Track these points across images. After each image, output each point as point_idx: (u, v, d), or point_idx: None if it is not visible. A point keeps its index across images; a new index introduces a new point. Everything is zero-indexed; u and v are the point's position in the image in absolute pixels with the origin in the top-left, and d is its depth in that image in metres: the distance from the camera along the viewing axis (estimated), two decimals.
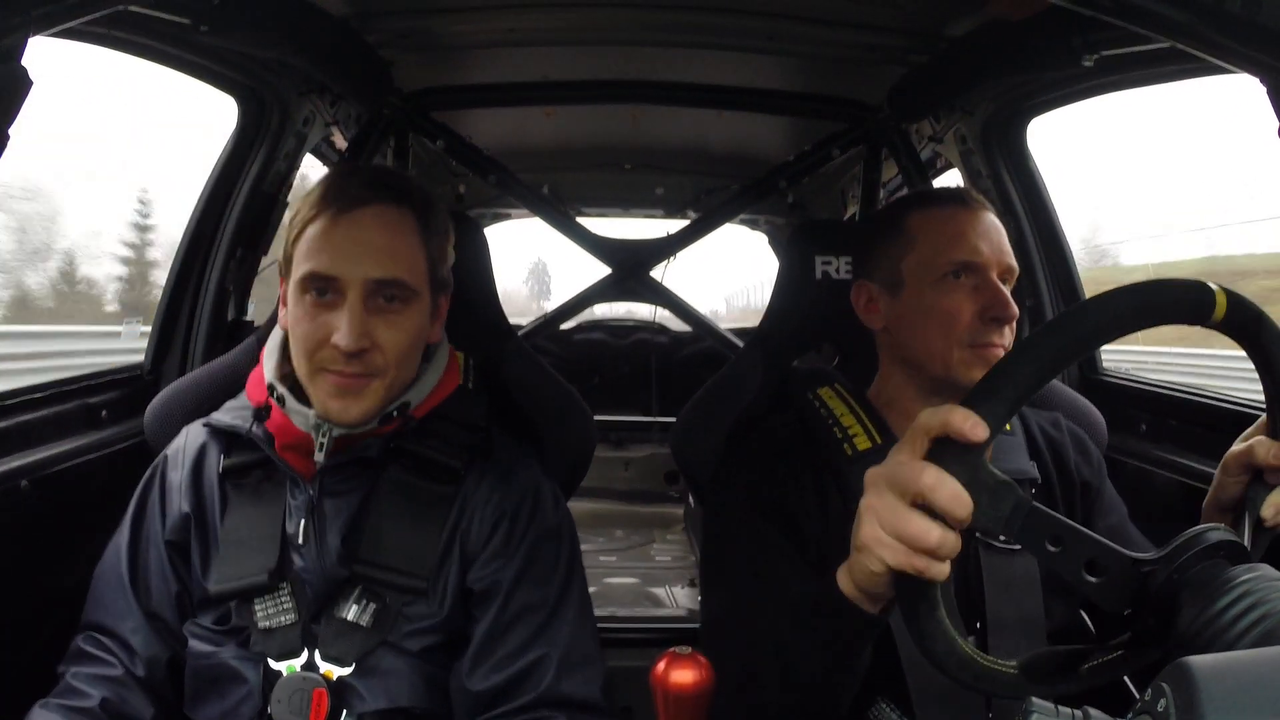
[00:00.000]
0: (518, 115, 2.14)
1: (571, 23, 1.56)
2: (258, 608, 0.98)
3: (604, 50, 1.71)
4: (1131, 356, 7.81)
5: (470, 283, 1.26)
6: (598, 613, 1.10)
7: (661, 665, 0.91)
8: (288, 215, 1.56)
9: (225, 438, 1.05)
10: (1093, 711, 0.48)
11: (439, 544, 1.00)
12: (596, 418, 1.37)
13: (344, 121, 1.81)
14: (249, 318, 1.69)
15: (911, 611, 0.61)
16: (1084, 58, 1.17)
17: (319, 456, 0.97)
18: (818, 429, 1.06)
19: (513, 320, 2.31)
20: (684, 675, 0.86)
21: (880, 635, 0.97)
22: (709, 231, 2.33)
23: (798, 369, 1.25)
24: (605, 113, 2.16)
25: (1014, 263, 1.04)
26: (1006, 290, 1.01)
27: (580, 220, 2.31)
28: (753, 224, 3.38)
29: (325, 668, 0.96)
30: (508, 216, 3.29)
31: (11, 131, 0.80)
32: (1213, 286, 0.61)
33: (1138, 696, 0.43)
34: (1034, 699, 0.50)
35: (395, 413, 0.99)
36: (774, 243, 3.40)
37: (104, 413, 1.40)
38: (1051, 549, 0.60)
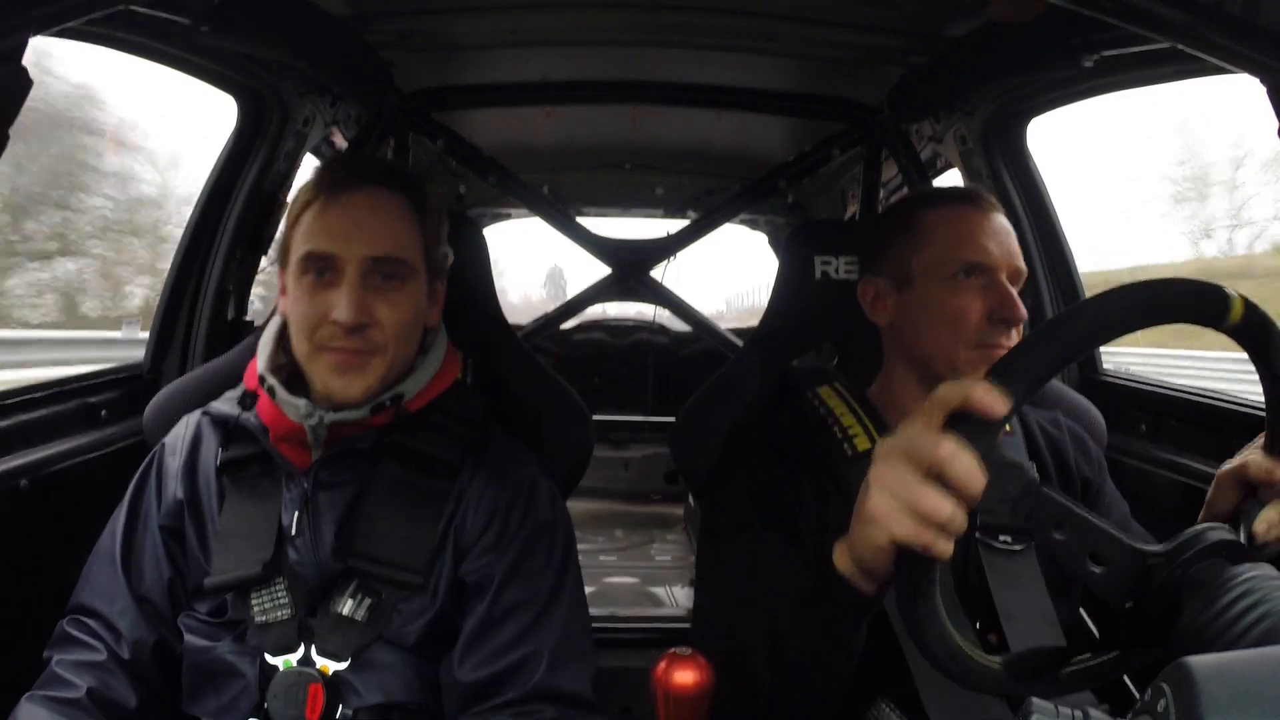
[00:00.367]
0: (518, 115, 2.14)
1: (571, 23, 1.56)
2: (254, 602, 0.99)
3: (604, 51, 1.71)
4: (1130, 358, 7.81)
5: (469, 283, 1.26)
6: (597, 612, 1.10)
7: (662, 666, 0.91)
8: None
9: (223, 428, 1.06)
10: (1093, 712, 0.48)
11: (434, 538, 1.00)
12: (596, 418, 1.37)
13: (344, 121, 1.81)
14: (249, 318, 1.69)
15: (909, 594, 0.60)
16: (1084, 58, 1.18)
17: (310, 444, 0.98)
18: (817, 428, 1.06)
19: (530, 320, 2.33)
20: (685, 676, 0.86)
21: (882, 634, 0.98)
22: (709, 232, 2.33)
23: (797, 368, 1.25)
24: (605, 113, 2.17)
25: (1023, 265, 1.04)
26: (1015, 292, 1.01)
27: (580, 220, 2.31)
28: (753, 224, 3.38)
29: (321, 663, 0.97)
30: (508, 216, 3.29)
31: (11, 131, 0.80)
32: (1230, 291, 0.61)
33: (1138, 696, 0.43)
34: (1034, 699, 0.50)
35: (389, 403, 1.00)
36: (774, 243, 3.40)
37: (103, 412, 1.40)
38: (1056, 535, 0.59)
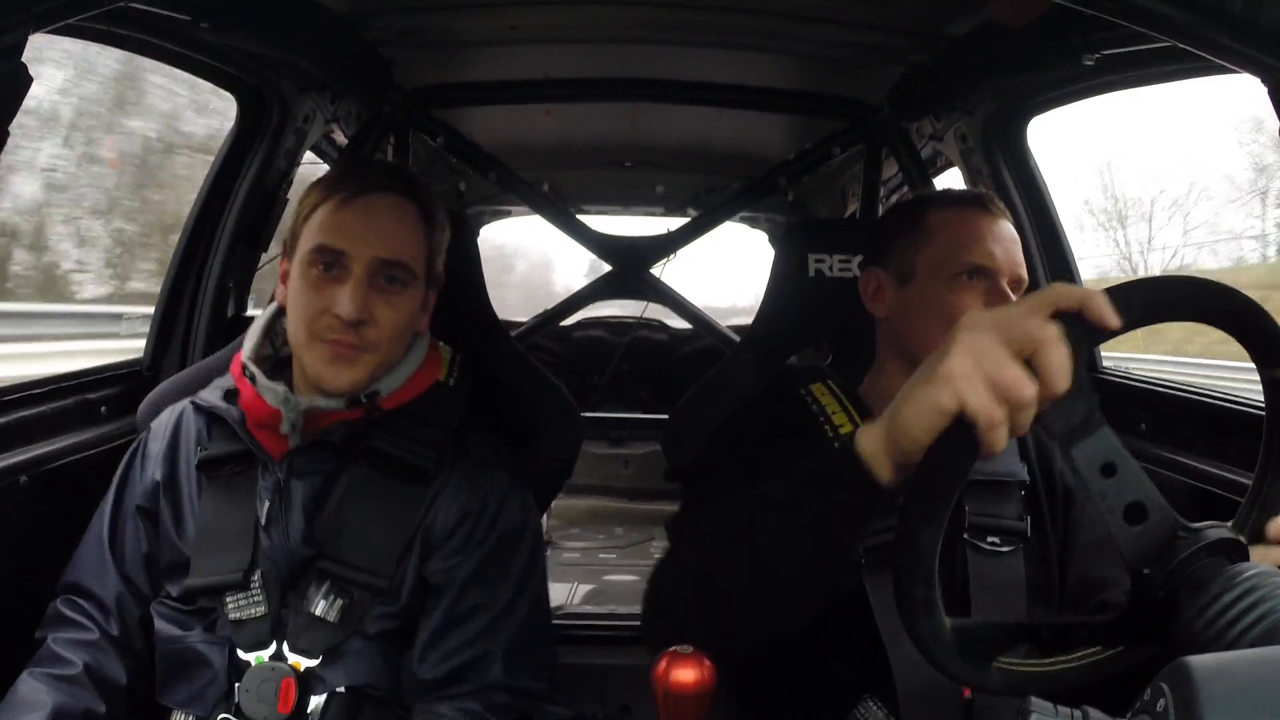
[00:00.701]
0: (518, 113, 2.13)
1: (572, 20, 1.56)
2: (229, 599, 1.01)
3: (604, 48, 1.71)
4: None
5: (462, 281, 1.27)
6: (598, 611, 1.11)
7: (662, 664, 0.91)
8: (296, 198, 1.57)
9: (206, 416, 1.09)
10: (1092, 711, 0.48)
11: (403, 542, 1.02)
12: (596, 415, 1.37)
13: (344, 119, 1.81)
14: (249, 314, 1.69)
15: (923, 503, 0.58)
16: (1084, 57, 1.17)
17: (285, 429, 1.01)
18: (808, 424, 1.06)
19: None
20: (685, 674, 0.86)
21: (869, 634, 0.98)
22: (709, 230, 2.33)
23: (791, 366, 1.25)
24: (605, 110, 2.16)
25: (1025, 274, 1.04)
26: (1015, 299, 1.01)
27: (580, 218, 2.31)
28: (753, 222, 3.38)
29: (293, 659, 0.99)
30: (508, 214, 3.29)
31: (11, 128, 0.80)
32: None
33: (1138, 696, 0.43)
34: (1032, 699, 0.50)
35: (364, 398, 1.03)
36: (774, 241, 3.39)
37: (103, 408, 1.40)
38: (1102, 478, 0.58)
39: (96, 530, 1.08)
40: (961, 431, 0.57)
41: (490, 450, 1.11)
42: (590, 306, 2.44)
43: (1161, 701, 0.41)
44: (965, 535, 1.04)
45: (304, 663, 0.99)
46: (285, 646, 1.00)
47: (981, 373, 0.57)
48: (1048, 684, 0.63)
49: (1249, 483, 0.69)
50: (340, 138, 1.90)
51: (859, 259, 1.31)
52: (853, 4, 1.42)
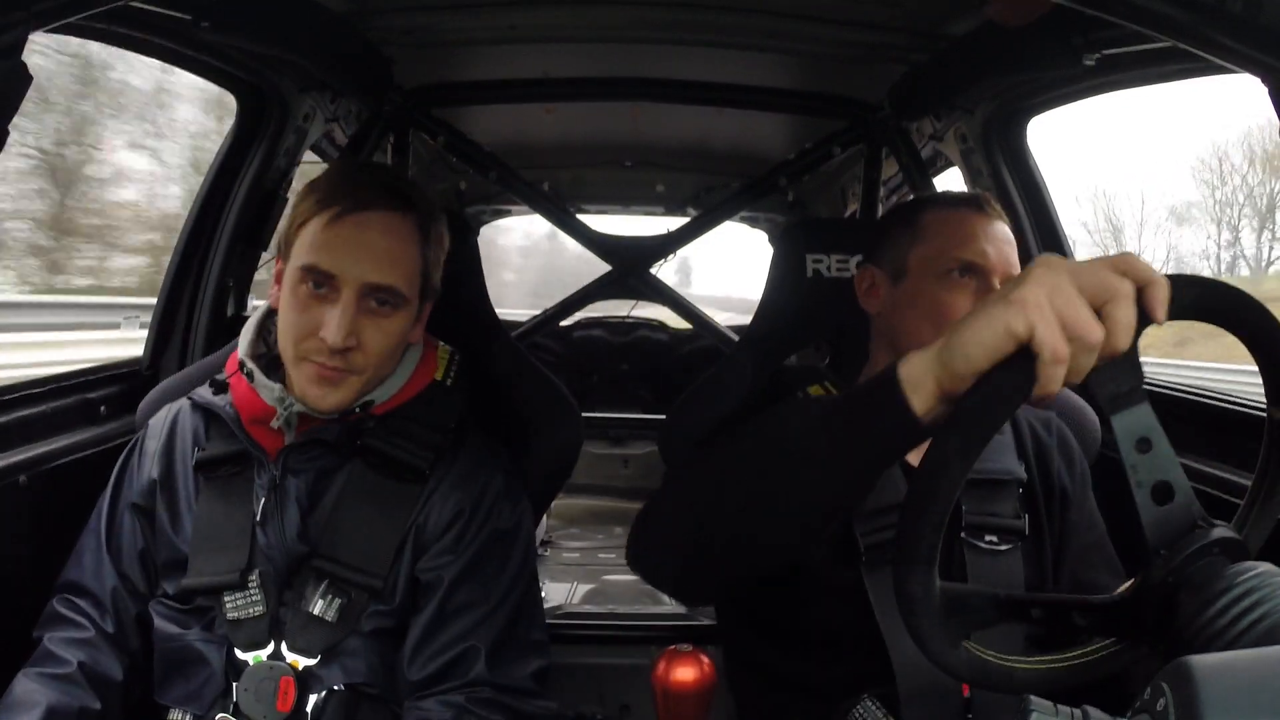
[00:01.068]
0: (518, 112, 2.13)
1: (572, 20, 1.55)
2: (226, 598, 1.01)
3: (604, 47, 1.71)
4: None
5: (461, 280, 1.27)
6: (597, 610, 1.11)
7: (662, 663, 0.92)
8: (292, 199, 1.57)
9: (203, 414, 1.09)
10: (1092, 711, 0.48)
11: (397, 541, 1.02)
12: (596, 415, 1.37)
13: (344, 118, 1.81)
14: (249, 314, 1.69)
15: (959, 440, 0.57)
16: (1085, 57, 1.17)
17: (277, 424, 1.01)
18: None
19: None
20: (685, 673, 0.87)
21: (869, 635, 0.98)
22: (709, 229, 2.33)
23: (788, 367, 1.25)
24: (606, 110, 2.16)
25: (1018, 273, 1.04)
26: None
27: (580, 217, 2.31)
28: (753, 222, 3.38)
29: (291, 658, 1.00)
30: (508, 213, 3.29)
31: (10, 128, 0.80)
32: None
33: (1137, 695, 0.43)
34: (1032, 697, 0.49)
35: (357, 409, 1.03)
36: (774, 240, 3.39)
37: (103, 408, 1.40)
38: (1137, 452, 0.58)
39: (94, 527, 1.08)
40: (1021, 361, 0.56)
41: (486, 450, 1.11)
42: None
43: (1161, 701, 0.41)
44: (963, 534, 1.04)
45: (302, 662, 0.99)
46: (283, 646, 1.00)
47: (1055, 306, 0.56)
48: (1007, 678, 0.63)
49: (1248, 483, 0.69)
50: (340, 137, 1.90)
51: (857, 259, 1.31)
52: (853, 3, 1.42)
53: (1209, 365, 8.77)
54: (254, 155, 1.62)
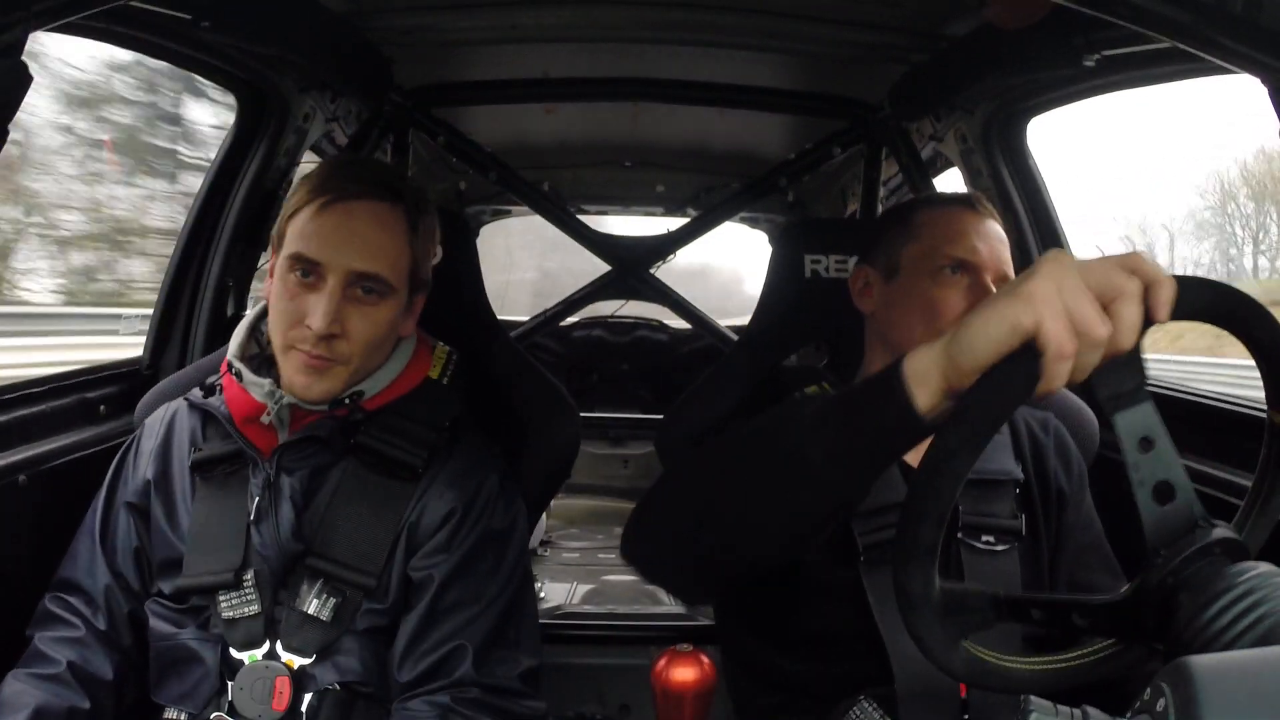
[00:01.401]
0: (518, 112, 2.13)
1: (573, 20, 1.55)
2: (221, 598, 1.01)
3: (605, 48, 1.71)
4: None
5: (459, 281, 1.26)
6: (597, 610, 1.11)
7: (662, 663, 0.92)
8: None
9: (200, 414, 1.09)
10: (1091, 711, 0.48)
11: (390, 539, 1.03)
12: (596, 415, 1.37)
13: (344, 118, 1.81)
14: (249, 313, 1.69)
15: (958, 437, 0.57)
16: (1085, 57, 1.17)
17: (268, 420, 1.01)
18: None
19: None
20: (685, 673, 0.87)
21: (867, 634, 0.98)
22: (709, 229, 2.34)
23: (786, 367, 1.25)
24: (606, 110, 2.16)
25: (1010, 271, 1.04)
26: None
27: (580, 217, 2.31)
28: (753, 222, 3.38)
29: (287, 657, 1.00)
30: (508, 213, 3.29)
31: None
32: None
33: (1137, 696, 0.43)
34: (1032, 697, 0.49)
35: (348, 400, 1.03)
36: (773, 241, 3.39)
37: (102, 407, 1.40)
38: (1139, 451, 0.58)
39: (89, 525, 1.09)
40: (1027, 355, 0.56)
41: (481, 450, 1.11)
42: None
43: (1161, 701, 0.41)
44: (960, 534, 1.04)
45: (297, 661, 0.99)
46: (278, 645, 1.00)
47: (1062, 301, 0.56)
48: (1006, 679, 0.63)
49: (1247, 483, 0.69)
50: (341, 137, 1.90)
51: (855, 260, 1.31)
52: (853, 3, 1.42)
53: (1200, 360, 8.77)
54: (254, 155, 1.62)
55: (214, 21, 1.15)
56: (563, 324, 2.75)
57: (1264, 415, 0.67)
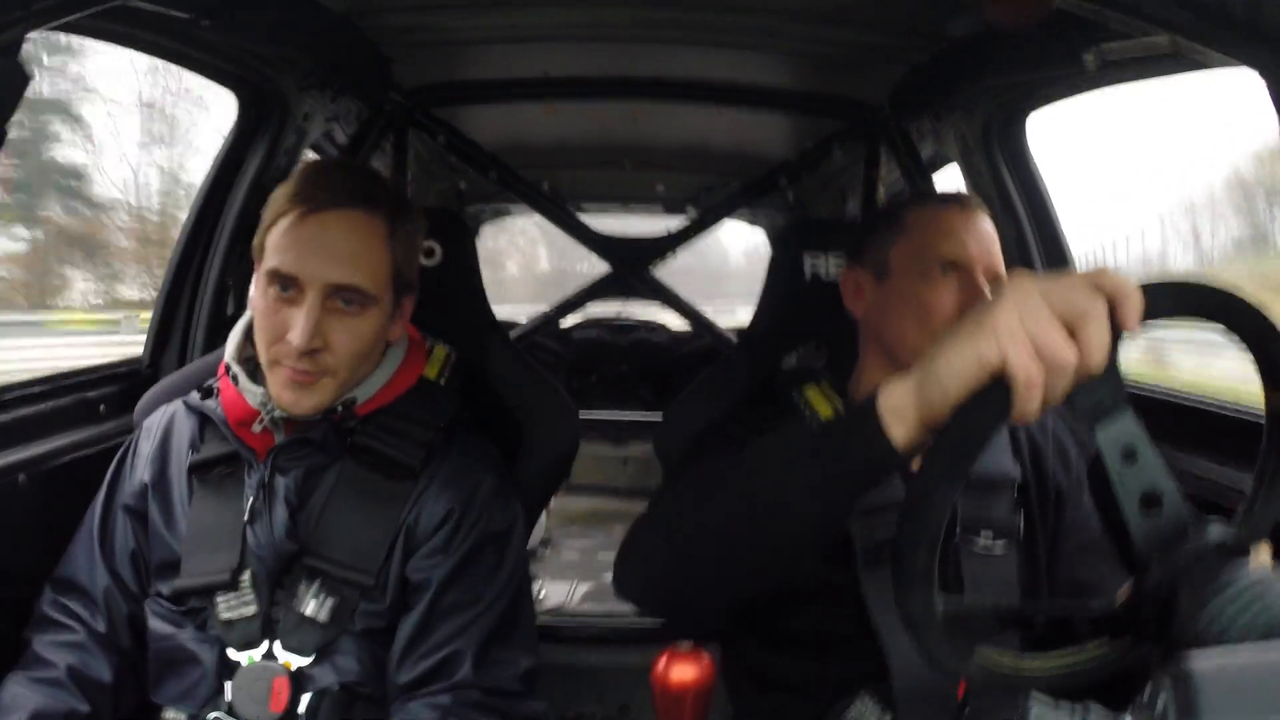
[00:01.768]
0: (518, 112, 2.14)
1: (572, 19, 1.55)
2: (219, 599, 1.01)
3: (604, 47, 1.71)
4: None
5: (457, 281, 1.26)
6: (597, 610, 1.10)
7: (662, 662, 0.92)
8: None
9: (198, 417, 1.09)
10: (1093, 707, 0.48)
11: (388, 540, 1.02)
12: (595, 415, 1.37)
13: (344, 117, 1.81)
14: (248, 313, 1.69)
15: (943, 465, 0.57)
16: (1085, 56, 1.17)
17: (259, 428, 1.01)
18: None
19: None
20: (685, 673, 0.87)
21: (865, 633, 0.98)
22: (709, 229, 2.33)
23: (786, 369, 1.25)
24: (605, 110, 2.16)
25: (1001, 268, 1.04)
26: (991, 294, 1.01)
27: (580, 217, 2.31)
28: (753, 221, 3.39)
29: (285, 658, 0.99)
30: (508, 212, 3.30)
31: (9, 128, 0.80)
32: None
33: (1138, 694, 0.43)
34: (1034, 693, 0.50)
35: (339, 409, 1.03)
36: (773, 240, 3.39)
37: (102, 407, 1.40)
38: (1122, 462, 0.58)
39: (88, 526, 1.09)
40: (997, 389, 0.57)
41: (479, 450, 1.11)
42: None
43: (1161, 700, 0.41)
44: (958, 536, 1.04)
45: (295, 662, 0.99)
46: (276, 645, 1.00)
47: (1025, 330, 0.56)
48: (1022, 684, 0.63)
49: (1243, 486, 0.69)
50: (340, 136, 1.90)
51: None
52: (853, 3, 1.41)
53: None
54: (254, 154, 1.62)
55: (214, 21, 1.15)
56: (563, 324, 2.76)
57: (1260, 418, 0.67)
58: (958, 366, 0.58)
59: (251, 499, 1.03)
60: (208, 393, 1.08)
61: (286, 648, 0.99)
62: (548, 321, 2.44)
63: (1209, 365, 6.66)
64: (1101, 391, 0.58)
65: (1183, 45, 0.78)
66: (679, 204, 3.03)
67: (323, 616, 0.99)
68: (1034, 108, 1.62)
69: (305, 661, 0.99)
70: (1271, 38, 0.71)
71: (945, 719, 0.97)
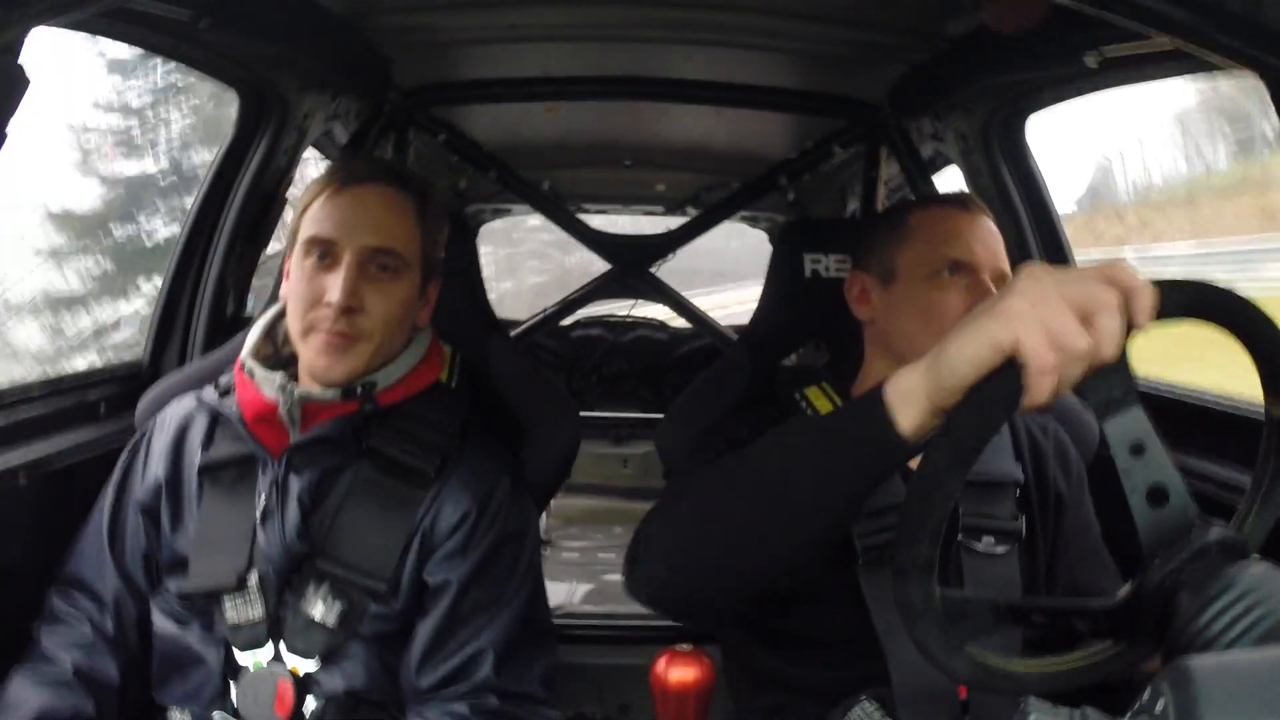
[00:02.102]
0: (518, 111, 2.14)
1: (572, 19, 1.55)
2: (226, 601, 1.01)
3: (605, 46, 1.71)
4: None
5: (458, 281, 1.27)
6: (597, 610, 1.11)
7: (662, 662, 0.92)
8: (295, 197, 1.56)
9: (210, 415, 1.09)
10: (1091, 711, 0.48)
11: (402, 544, 1.02)
12: (596, 414, 1.37)
13: (344, 117, 1.81)
14: (248, 313, 1.69)
15: (951, 454, 0.57)
16: (1085, 56, 1.17)
17: (281, 413, 1.01)
18: None
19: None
20: (685, 673, 0.87)
21: (865, 636, 0.98)
22: (709, 228, 2.34)
23: (785, 368, 1.25)
24: (606, 109, 2.16)
25: (1007, 268, 1.04)
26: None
27: (580, 216, 2.31)
28: (753, 221, 3.38)
29: (291, 662, 0.99)
30: (509, 212, 3.29)
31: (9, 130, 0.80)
32: None
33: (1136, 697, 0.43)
34: (1032, 698, 0.49)
35: (360, 390, 1.02)
36: (773, 240, 3.39)
37: (102, 408, 1.40)
38: (1130, 456, 0.59)
39: (96, 523, 1.08)
40: (1009, 372, 0.57)
41: (492, 452, 1.11)
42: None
43: (1161, 701, 0.41)
44: (960, 537, 1.04)
45: (301, 666, 0.99)
46: (282, 647, 1.00)
47: (1039, 316, 0.56)
48: (1008, 680, 0.63)
49: (1244, 484, 0.69)
50: (341, 136, 1.90)
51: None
52: (853, 3, 1.42)
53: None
54: (254, 154, 1.62)
55: (214, 20, 1.15)
56: (562, 324, 2.76)
57: (1260, 417, 0.67)
58: (970, 350, 0.58)
59: (264, 498, 1.02)
60: (223, 390, 1.08)
61: (292, 650, 0.99)
62: (547, 320, 2.44)
63: None
64: (1112, 384, 0.58)
65: (1182, 46, 0.77)
66: (679, 204, 3.03)
67: (330, 620, 0.99)
68: (1034, 108, 1.61)
69: (311, 665, 0.99)
70: (1271, 38, 0.71)
71: None
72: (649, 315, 3.36)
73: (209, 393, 1.09)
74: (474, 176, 2.64)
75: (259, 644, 1.00)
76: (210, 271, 1.60)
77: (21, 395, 1.26)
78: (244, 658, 1.00)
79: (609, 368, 3.23)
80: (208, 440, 1.08)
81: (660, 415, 1.38)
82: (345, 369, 1.00)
